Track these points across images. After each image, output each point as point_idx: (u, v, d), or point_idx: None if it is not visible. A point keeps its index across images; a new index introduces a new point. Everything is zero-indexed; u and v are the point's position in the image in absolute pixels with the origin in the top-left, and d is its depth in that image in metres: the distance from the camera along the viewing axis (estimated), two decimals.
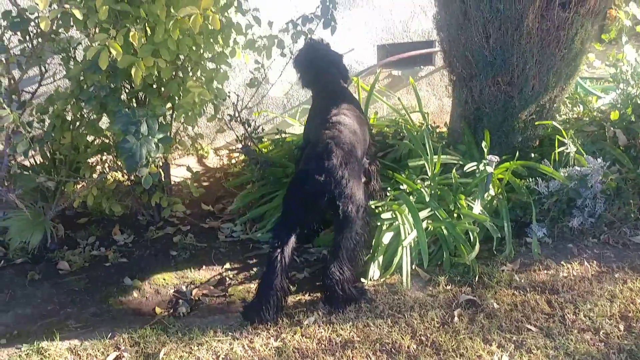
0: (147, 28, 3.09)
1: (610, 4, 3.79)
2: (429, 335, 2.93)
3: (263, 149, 4.58)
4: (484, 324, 3.00)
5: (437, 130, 4.76)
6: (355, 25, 5.24)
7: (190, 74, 3.48)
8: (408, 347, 2.85)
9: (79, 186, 3.72)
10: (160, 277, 3.59)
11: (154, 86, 3.48)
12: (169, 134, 3.50)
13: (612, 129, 4.17)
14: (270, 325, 3.01)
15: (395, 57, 5.26)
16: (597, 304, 3.15)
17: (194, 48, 3.25)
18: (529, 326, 2.99)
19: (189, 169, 4.15)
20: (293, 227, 3.13)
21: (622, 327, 2.99)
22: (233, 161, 5.00)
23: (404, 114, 4.81)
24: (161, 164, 3.58)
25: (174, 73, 3.40)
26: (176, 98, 3.41)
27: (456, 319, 3.05)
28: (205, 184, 4.73)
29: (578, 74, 4.08)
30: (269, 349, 2.86)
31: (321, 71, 3.85)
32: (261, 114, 5.03)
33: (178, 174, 4.63)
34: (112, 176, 4.03)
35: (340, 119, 3.33)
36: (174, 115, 3.61)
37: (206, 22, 3.01)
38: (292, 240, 3.10)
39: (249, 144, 4.25)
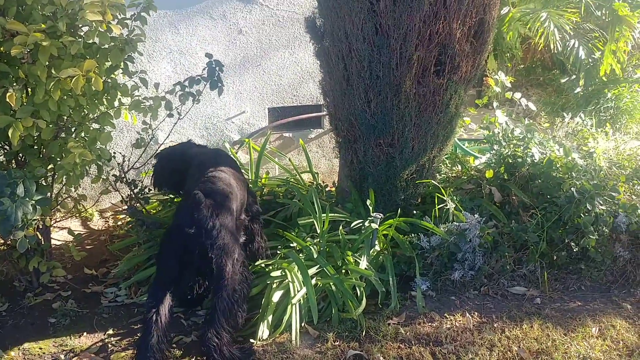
0: (28, 88, 3.02)
1: (483, 71, 4.11)
2: None
3: (151, 210, 4.49)
4: None
5: (327, 189, 4.89)
6: (245, 89, 5.37)
7: (74, 135, 3.40)
8: None
9: None
10: (37, 346, 3.38)
11: (34, 147, 3.37)
12: (49, 195, 3.39)
13: (488, 186, 4.46)
14: None
15: (285, 120, 5.42)
16: (477, 354, 3.28)
17: (76, 109, 3.20)
18: None
19: (70, 231, 3.99)
20: (168, 285, 3.08)
21: None
22: (119, 223, 4.86)
23: (295, 174, 4.91)
24: (40, 227, 3.43)
25: (55, 134, 3.31)
26: (57, 159, 3.32)
27: None
28: (89, 247, 4.56)
29: (454, 136, 4.37)
30: None
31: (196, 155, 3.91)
32: (149, 174, 4.97)
33: (60, 237, 4.43)
34: None
35: (215, 174, 3.39)
36: (55, 177, 3.49)
37: (89, 84, 2.98)
38: (168, 299, 3.04)
39: (135, 204, 4.16)
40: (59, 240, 4.34)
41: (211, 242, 3.06)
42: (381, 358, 3.21)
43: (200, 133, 5.23)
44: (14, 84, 2.88)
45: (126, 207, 4.21)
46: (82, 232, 4.77)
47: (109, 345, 3.42)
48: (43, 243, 3.74)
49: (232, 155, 4.04)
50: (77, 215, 4.23)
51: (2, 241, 3.79)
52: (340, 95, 4.07)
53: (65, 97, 3.07)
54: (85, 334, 3.51)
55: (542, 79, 8.95)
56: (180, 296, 3.44)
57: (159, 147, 4.63)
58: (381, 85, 3.85)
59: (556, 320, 3.65)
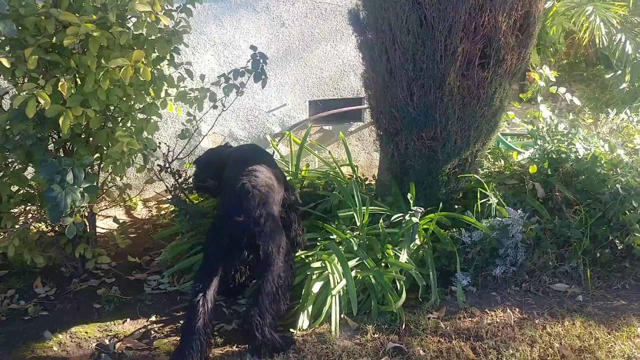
0: (77, 78, 3.10)
1: (527, 65, 4.06)
2: None
3: (194, 200, 4.56)
4: None
5: (366, 182, 4.89)
6: (287, 81, 5.40)
7: (120, 124, 3.47)
8: None
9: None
10: (83, 330, 3.47)
11: (82, 136, 3.45)
12: (95, 183, 3.47)
13: (531, 182, 4.40)
14: None
15: (326, 112, 5.43)
16: (518, 349, 3.25)
17: (124, 99, 3.26)
18: None
19: (115, 219, 4.08)
20: (214, 271, 3.14)
21: None
22: (162, 212, 4.95)
23: (335, 167, 4.93)
24: (86, 214, 3.51)
25: (103, 123, 3.39)
26: (104, 148, 3.39)
27: None
28: (132, 235, 4.65)
29: (498, 130, 4.32)
30: None
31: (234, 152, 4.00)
32: (193, 165, 5.04)
33: (104, 225, 4.54)
34: (35, 227, 3.91)
35: (256, 167, 3.49)
36: (101, 165, 3.57)
37: (137, 74, 3.04)
38: (215, 284, 3.10)
39: (179, 194, 4.23)
40: (103, 228, 4.45)
41: (259, 229, 3.15)
42: (421, 351, 3.21)
43: (242, 125, 5.28)
44: (65, 74, 2.95)
45: (170, 196, 4.27)
46: (126, 221, 4.87)
47: (152, 332, 3.49)
48: (89, 230, 3.84)
49: (266, 151, 4.08)
50: (122, 204, 4.32)
51: (50, 228, 3.89)
52: (383, 87, 4.06)
53: (113, 87, 3.14)
54: (128, 320, 3.59)
55: (585, 74, 8.76)
56: (223, 284, 3.49)
57: (202, 138, 4.70)
58: (425, 78, 3.82)
59: (599, 319, 3.59)
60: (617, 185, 4.03)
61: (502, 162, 4.85)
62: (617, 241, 3.96)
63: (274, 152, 5.10)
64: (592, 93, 8.21)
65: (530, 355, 3.21)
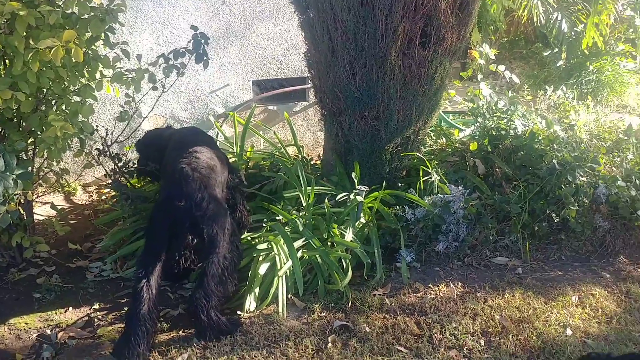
0: (5, 60, 2.96)
1: (467, 43, 4.11)
2: None
3: (135, 185, 4.46)
4: (356, 348, 3.08)
5: (312, 162, 4.88)
6: (229, 61, 5.31)
7: (54, 107, 3.35)
8: None
9: None
10: (22, 321, 3.37)
11: (14, 120, 3.31)
12: (30, 169, 3.35)
13: (472, 159, 4.49)
14: None
15: (270, 92, 5.39)
16: (461, 323, 3.33)
17: (57, 81, 3.14)
18: (399, 347, 3.11)
19: (53, 206, 3.95)
20: (157, 256, 3.09)
21: (482, 343, 3.19)
22: (103, 197, 4.82)
23: (280, 147, 4.90)
24: (22, 202, 3.38)
25: (35, 106, 3.26)
26: (38, 132, 3.27)
27: (330, 344, 3.10)
28: (73, 222, 4.52)
29: (439, 108, 4.38)
30: None
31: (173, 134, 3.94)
32: (133, 148, 4.92)
33: (43, 212, 4.40)
34: None
35: (196, 150, 3.43)
36: (36, 150, 3.44)
37: (69, 55, 2.92)
38: (158, 269, 3.06)
39: (120, 178, 4.13)
40: (42, 215, 4.31)
41: (201, 213, 3.11)
42: (367, 328, 3.25)
43: (184, 106, 5.18)
44: None
45: (110, 181, 4.16)
46: (65, 207, 4.73)
47: (95, 320, 3.42)
48: (25, 218, 3.71)
49: (207, 133, 4.02)
50: (60, 189, 4.19)
51: None
52: (325, 67, 4.05)
53: (44, 68, 3.02)
54: (70, 308, 3.51)
55: (525, 52, 8.97)
56: (168, 270, 3.45)
57: (142, 120, 4.58)
58: (366, 57, 3.82)
59: (537, 290, 3.71)
60: (553, 160, 4.15)
61: (444, 139, 4.92)
62: (553, 215, 4.08)
63: (217, 133, 5.03)
64: (531, 70, 8.42)
65: (472, 327, 3.30)
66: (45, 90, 3.20)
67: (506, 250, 4.12)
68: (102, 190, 4.92)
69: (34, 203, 3.98)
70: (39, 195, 4.15)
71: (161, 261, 3.09)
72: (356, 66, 3.88)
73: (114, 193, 4.49)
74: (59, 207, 4.30)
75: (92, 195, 4.94)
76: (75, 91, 3.39)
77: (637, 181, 4.31)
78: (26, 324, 3.35)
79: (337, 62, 3.94)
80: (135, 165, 4.19)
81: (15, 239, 3.57)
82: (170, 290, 3.70)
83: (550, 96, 6.24)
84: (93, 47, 3.43)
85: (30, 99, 3.07)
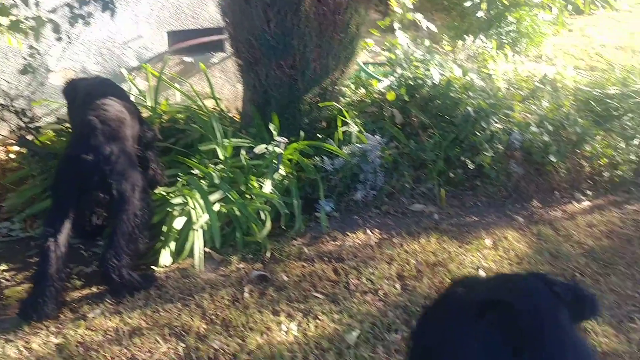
0: None
1: None
2: (219, 313, 2.95)
3: (46, 142, 4.25)
4: (273, 297, 3.09)
5: (230, 115, 4.79)
6: (142, 11, 5.08)
7: None
8: (198, 328, 2.85)
9: None
10: None
11: None
12: None
13: (390, 109, 4.51)
14: (51, 322, 2.83)
15: (185, 43, 5.20)
16: (377, 268, 3.39)
17: None
18: (316, 294, 3.14)
19: None
20: (65, 214, 2.97)
21: (398, 287, 3.25)
22: (11, 155, 4.58)
23: (197, 100, 4.77)
24: None
25: None
26: None
27: (246, 294, 3.10)
28: None
29: (356, 58, 4.34)
30: (49, 347, 2.68)
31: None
32: (42, 103, 4.67)
33: None
34: None
35: (104, 102, 3.28)
36: None
37: None
38: (67, 227, 2.94)
39: (26, 135, 3.92)
40: None
41: (110, 168, 2.98)
42: (285, 277, 3.26)
43: (95, 59, 4.93)
44: None
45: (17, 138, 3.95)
46: None
47: (3, 281, 3.29)
48: None
49: (117, 85, 3.82)
50: None
51: None
52: (240, 14, 3.93)
53: None
54: None
55: (447, 2, 9.01)
56: (79, 227, 3.32)
57: (49, 74, 4.35)
58: (280, 4, 3.73)
59: (452, 234, 3.81)
60: (468, 108, 4.22)
61: (364, 90, 4.91)
62: (468, 161, 4.17)
63: (131, 87, 4.84)
64: (452, 21, 8.48)
65: (388, 272, 3.36)
66: None
67: (423, 197, 4.19)
68: (10, 148, 4.66)
69: None
70: None
71: (70, 218, 2.97)
72: (270, 13, 3.78)
73: (22, 150, 4.27)
74: None
75: None
76: None
77: (550, 127, 4.45)
78: None
79: (251, 9, 3.83)
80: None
81: None
82: (84, 247, 3.59)
83: (469, 46, 6.30)
84: None
85: None
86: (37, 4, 3.65)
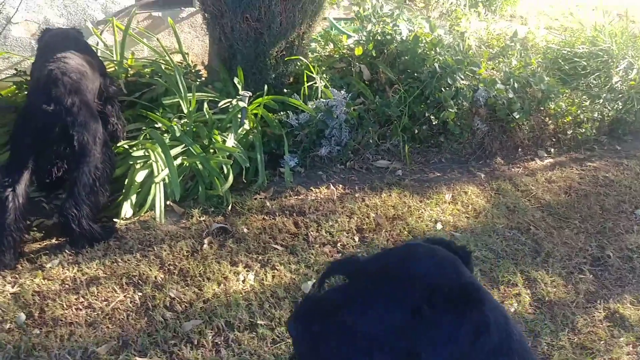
0: None
1: None
2: (177, 264, 2.98)
3: (8, 95, 4.19)
4: (232, 248, 3.13)
5: (196, 69, 4.73)
6: None
7: None
8: (155, 278, 2.88)
9: None
10: None
11: None
12: None
13: (358, 64, 4.49)
14: (8, 272, 2.84)
15: None
16: (337, 221, 3.43)
17: None
18: (275, 246, 3.18)
19: None
20: (24, 164, 2.95)
21: (357, 239, 3.31)
22: None
23: (165, 56, 4.71)
24: None
25: None
26: None
27: (206, 246, 3.13)
28: None
29: (323, 11, 4.30)
30: (4, 296, 2.69)
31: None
32: (3, 55, 4.59)
33: None
34: None
35: (65, 55, 3.23)
36: None
37: None
38: (25, 178, 2.94)
39: None
40: None
41: (72, 119, 2.95)
42: (245, 229, 3.29)
43: (59, 12, 4.83)
44: None
45: None
46: None
47: None
48: None
49: (80, 36, 3.75)
50: None
51: None
52: None
53: None
54: None
55: None
56: (40, 180, 3.31)
57: (6, 25, 4.26)
58: None
59: (414, 190, 3.86)
60: (435, 64, 4.22)
61: (332, 46, 4.88)
62: (432, 117, 4.20)
63: (98, 42, 4.76)
64: None
65: (348, 225, 3.41)
66: None
67: (388, 153, 4.22)
68: None
69: None
70: None
71: (28, 169, 2.96)
72: None
73: None
74: None
75: None
76: None
77: (516, 84, 4.47)
78: None
79: None
80: None
81: None
82: (45, 200, 3.57)
83: (442, 3, 6.28)
84: None
85: None
86: None
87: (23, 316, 2.59)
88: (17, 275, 2.83)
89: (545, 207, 3.76)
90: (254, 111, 4.04)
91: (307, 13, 4.08)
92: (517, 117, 4.28)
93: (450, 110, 4.13)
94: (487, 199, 3.81)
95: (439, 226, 3.49)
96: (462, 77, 4.24)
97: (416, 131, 4.23)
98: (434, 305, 1.21)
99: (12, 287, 2.76)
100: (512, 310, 2.89)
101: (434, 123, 4.21)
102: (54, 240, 3.18)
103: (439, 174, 4.12)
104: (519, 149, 4.52)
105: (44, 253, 3.01)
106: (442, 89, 4.18)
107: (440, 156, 4.34)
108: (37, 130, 3.00)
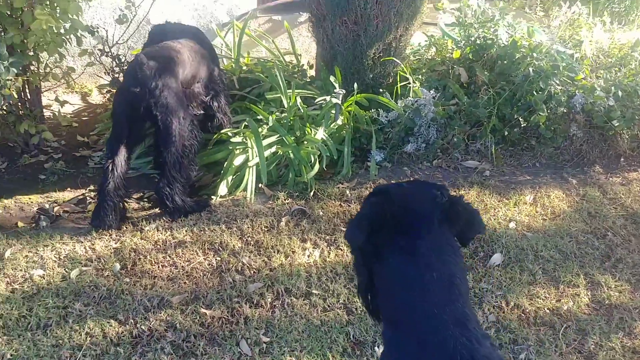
0: None
1: None
2: (254, 236, 3.33)
3: None
4: (305, 227, 3.42)
5: (303, 69, 5.10)
6: None
7: (49, 7, 3.69)
8: (233, 246, 3.25)
9: None
10: (27, 197, 3.85)
11: (14, 17, 3.69)
12: (30, 63, 3.76)
13: (457, 67, 4.61)
14: (114, 232, 3.35)
15: (273, 2, 5.57)
16: None
17: None
18: (344, 229, 3.42)
19: (57, 99, 4.38)
20: (121, 139, 3.40)
21: None
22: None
23: (279, 56, 5.14)
24: (26, 91, 3.80)
25: (32, 6, 3.60)
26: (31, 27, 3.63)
27: (282, 223, 3.45)
28: (84, 118, 4.97)
29: (421, 15, 4.48)
30: (108, 249, 3.20)
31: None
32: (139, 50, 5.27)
33: (65, 110, 4.83)
34: None
35: (168, 42, 3.61)
36: (35, 45, 3.82)
37: None
38: (123, 151, 3.39)
39: (116, 75, 4.49)
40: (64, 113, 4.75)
41: (155, 100, 3.28)
42: (320, 212, 3.57)
43: (190, 14, 5.45)
44: None
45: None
46: (80, 106, 5.18)
47: (88, 198, 3.87)
48: (34, 109, 4.16)
49: (196, 29, 4.18)
50: (67, 86, 4.56)
51: None
52: None
53: None
54: (69, 189, 3.97)
55: None
56: (156, 159, 3.82)
57: (140, 23, 4.88)
58: None
59: (496, 190, 3.91)
60: (530, 68, 4.23)
61: (435, 49, 5.03)
62: (521, 120, 4.20)
63: (222, 43, 5.30)
64: None
65: None
66: None
67: (478, 154, 4.29)
68: (114, 91, 5.32)
69: (58, 102, 4.41)
70: (47, 88, 4.57)
71: (124, 143, 3.41)
72: None
73: (113, 90, 4.85)
74: (76, 106, 4.73)
75: (105, 96, 5.36)
76: None
77: (620, 93, 4.34)
78: (29, 199, 3.84)
79: None
80: None
81: (22, 126, 4.03)
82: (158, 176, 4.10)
83: (565, 12, 6.14)
84: None
85: None
86: None
87: (118, 266, 3.06)
88: (120, 234, 3.34)
89: (630, 216, 3.65)
90: (348, 108, 4.32)
91: (403, 17, 4.29)
92: (616, 125, 4.16)
93: (541, 113, 4.12)
94: (570, 204, 3.77)
95: (512, 225, 3.53)
96: (558, 82, 4.20)
97: (506, 133, 4.26)
98: None
99: (115, 243, 3.27)
100: (565, 308, 2.90)
101: (522, 125, 4.21)
102: (157, 210, 3.67)
103: (529, 177, 4.12)
104: (622, 159, 4.38)
105: (145, 219, 3.50)
106: (534, 93, 4.18)
107: (534, 160, 4.33)
108: (128, 110, 3.39)
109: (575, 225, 3.54)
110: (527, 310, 2.87)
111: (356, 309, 2.84)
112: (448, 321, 1.38)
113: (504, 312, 2.86)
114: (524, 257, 3.23)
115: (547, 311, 2.88)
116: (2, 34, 3.59)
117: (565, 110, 4.27)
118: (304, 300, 2.89)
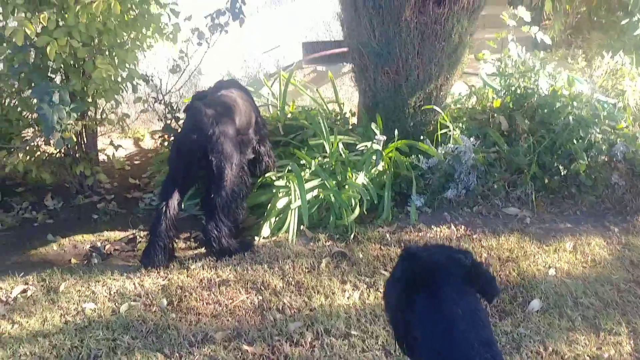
0: (66, 14, 3.60)
1: (484, 2, 4.30)
2: (296, 277, 3.42)
3: None
4: (345, 269, 3.49)
5: (346, 116, 5.26)
6: (280, 23, 5.77)
7: (109, 57, 3.97)
8: (275, 286, 3.34)
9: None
10: (80, 235, 4.05)
11: (76, 66, 3.97)
12: (89, 109, 4.01)
13: (497, 116, 4.69)
14: (162, 269, 3.49)
15: (318, 54, 5.80)
16: None
17: (106, 33, 3.74)
18: (383, 272, 3.48)
19: (111, 142, 4.63)
20: (175, 183, 3.59)
21: None
22: (166, 143, 5.46)
23: (322, 104, 5.33)
24: (83, 135, 4.04)
25: (94, 56, 3.88)
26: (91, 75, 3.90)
27: (323, 265, 3.53)
28: (137, 162, 5.22)
29: (461, 65, 4.60)
30: (156, 286, 3.34)
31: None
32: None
33: (118, 154, 5.09)
34: (43, 149, 4.47)
35: (223, 93, 3.85)
36: (86, 90, 4.07)
37: (110, 8, 3.49)
38: (176, 194, 3.56)
39: (170, 122, 4.72)
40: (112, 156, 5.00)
41: (211, 146, 3.49)
42: (360, 255, 3.65)
43: (239, 65, 5.72)
44: (49, 8, 3.46)
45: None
46: (133, 150, 5.44)
47: (138, 238, 4.05)
48: (90, 152, 4.41)
49: (242, 85, 4.42)
50: (122, 131, 4.84)
51: (57, 150, 4.45)
52: (350, 24, 4.42)
53: (93, 20, 3.60)
54: (120, 228, 4.17)
55: (604, 21, 8.72)
56: (205, 200, 3.99)
57: (192, 73, 5.14)
58: (383, 14, 4.15)
59: (537, 237, 3.92)
60: (570, 116, 4.28)
61: (476, 98, 5.13)
62: (561, 167, 4.22)
63: (269, 92, 5.53)
64: (608, 40, 8.20)
65: None
66: (96, 40, 3.81)
67: (518, 201, 4.31)
68: (166, 137, 5.57)
69: (112, 148, 4.67)
70: (103, 133, 4.84)
71: (178, 186, 3.59)
72: (375, 23, 4.22)
73: (165, 136, 5.09)
74: (128, 151, 4.97)
75: (157, 142, 5.61)
76: (123, 43, 3.98)
77: None
78: (82, 237, 4.03)
79: (360, 20, 4.29)
80: None
81: (78, 168, 4.27)
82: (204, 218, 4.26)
83: (607, 62, 6.17)
84: (144, 5, 4.01)
85: (85, 47, 3.68)
86: (189, 18, 4.42)
87: (165, 302, 3.19)
88: (168, 272, 3.48)
89: None
90: (389, 154, 4.42)
91: (444, 67, 4.41)
92: None
93: (582, 162, 4.14)
94: (611, 252, 3.75)
95: (551, 272, 3.52)
96: (598, 130, 4.23)
97: (547, 181, 4.28)
98: None
99: (163, 280, 3.40)
100: (606, 356, 2.87)
101: (562, 174, 4.23)
102: (203, 250, 3.81)
103: (569, 225, 4.11)
104: None
105: (191, 257, 3.64)
106: (575, 141, 4.21)
107: (575, 208, 4.32)
108: (186, 155, 3.59)
109: (616, 273, 3.51)
110: (566, 357, 2.86)
111: (395, 350, 2.88)
112: (474, 342, 1.55)
113: (542, 358, 2.85)
114: (563, 303, 3.22)
115: (587, 358, 2.85)
116: (65, 81, 3.85)
117: (606, 159, 4.27)
118: (343, 340, 2.94)
